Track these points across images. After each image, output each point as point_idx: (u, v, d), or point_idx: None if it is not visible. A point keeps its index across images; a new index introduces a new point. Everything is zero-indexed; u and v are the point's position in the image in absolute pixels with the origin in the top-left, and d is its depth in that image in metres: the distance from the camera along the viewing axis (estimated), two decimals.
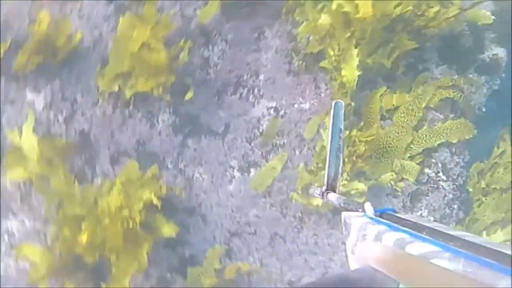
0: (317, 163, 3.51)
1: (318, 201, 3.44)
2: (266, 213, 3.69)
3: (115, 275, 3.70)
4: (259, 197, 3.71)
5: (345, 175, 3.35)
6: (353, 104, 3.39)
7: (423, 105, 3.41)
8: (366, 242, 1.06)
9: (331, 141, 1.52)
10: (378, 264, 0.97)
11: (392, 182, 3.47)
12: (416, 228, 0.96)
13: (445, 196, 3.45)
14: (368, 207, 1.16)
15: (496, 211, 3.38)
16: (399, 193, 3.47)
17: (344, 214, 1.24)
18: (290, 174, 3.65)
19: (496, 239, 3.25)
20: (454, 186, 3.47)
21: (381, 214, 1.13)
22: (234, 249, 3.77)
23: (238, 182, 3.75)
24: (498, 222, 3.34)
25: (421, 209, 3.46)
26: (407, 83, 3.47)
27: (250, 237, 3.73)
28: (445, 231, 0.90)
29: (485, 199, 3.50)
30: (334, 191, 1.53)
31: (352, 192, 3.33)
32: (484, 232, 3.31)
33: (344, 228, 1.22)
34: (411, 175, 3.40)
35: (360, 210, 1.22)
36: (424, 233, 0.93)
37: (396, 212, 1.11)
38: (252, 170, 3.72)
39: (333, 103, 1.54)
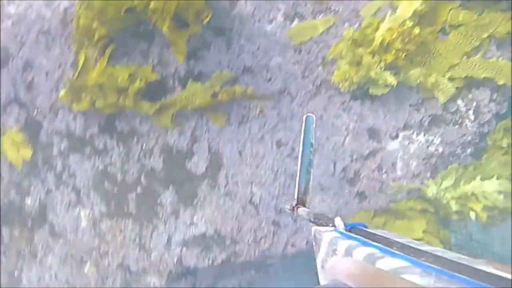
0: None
1: (342, 77, 3.57)
2: (288, 67, 3.70)
3: None
4: (290, 49, 3.68)
5: (382, 64, 3.32)
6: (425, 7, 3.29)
7: (485, 35, 3.29)
8: (336, 257, 1.10)
9: (301, 156, 1.58)
10: (348, 279, 0.98)
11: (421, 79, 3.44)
12: (387, 243, 1.00)
13: (464, 135, 3.46)
14: (339, 221, 1.19)
15: (502, 168, 3.45)
16: (422, 110, 3.48)
17: (314, 228, 1.27)
18: (328, 41, 3.62)
19: (490, 185, 3.33)
20: (478, 131, 3.47)
21: (352, 229, 1.17)
22: (241, 82, 3.80)
23: (277, 25, 3.69)
24: (500, 177, 3.40)
25: (435, 135, 3.49)
26: (481, 5, 3.31)
27: (262, 80, 3.76)
28: (416, 247, 0.93)
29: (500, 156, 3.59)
30: (304, 206, 1.58)
31: (380, 82, 3.33)
32: (479, 177, 3.37)
33: (314, 243, 1.25)
34: (443, 95, 3.38)
35: (331, 224, 1.25)
36: (395, 248, 0.96)
37: (367, 227, 1.15)
38: (295, 21, 3.65)
39: (304, 117, 1.58)
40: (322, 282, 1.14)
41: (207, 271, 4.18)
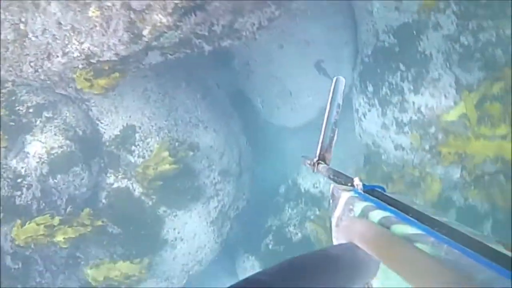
0: None
1: None
2: None
3: None
4: None
5: None
6: None
7: None
8: (352, 217, 1.16)
9: (328, 115, 1.69)
10: (361, 241, 1.04)
11: None
12: (404, 209, 1.04)
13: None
14: (358, 182, 1.26)
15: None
16: None
17: (332, 186, 1.35)
18: None
19: None
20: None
21: (370, 190, 1.23)
22: None
23: None
24: None
25: None
26: None
27: None
28: (431, 216, 0.97)
29: None
30: (326, 163, 1.67)
31: None
32: None
33: (331, 200, 1.32)
34: None
35: (349, 184, 1.31)
36: (411, 215, 1.00)
37: (385, 190, 1.21)
38: None
39: (334, 79, 1.67)
40: (335, 240, 1.23)
41: (220, 3, 4.46)
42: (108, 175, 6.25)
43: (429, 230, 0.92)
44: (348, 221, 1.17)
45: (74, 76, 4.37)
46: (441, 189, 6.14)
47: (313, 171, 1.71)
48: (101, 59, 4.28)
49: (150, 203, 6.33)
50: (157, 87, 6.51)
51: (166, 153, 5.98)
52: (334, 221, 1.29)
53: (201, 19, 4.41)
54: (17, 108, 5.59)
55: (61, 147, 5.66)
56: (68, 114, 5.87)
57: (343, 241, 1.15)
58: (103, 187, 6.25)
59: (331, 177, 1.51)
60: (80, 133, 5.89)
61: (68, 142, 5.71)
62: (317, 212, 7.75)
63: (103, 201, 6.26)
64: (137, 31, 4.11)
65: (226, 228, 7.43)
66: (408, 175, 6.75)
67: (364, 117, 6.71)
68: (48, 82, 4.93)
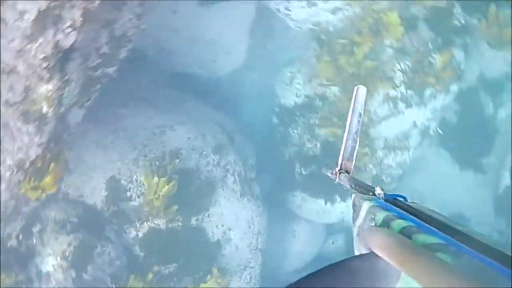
0: None
1: None
2: None
3: None
4: None
5: None
6: None
7: None
8: (373, 226, 1.17)
9: (349, 124, 1.71)
10: (381, 250, 1.05)
11: None
12: (425, 219, 1.06)
13: None
14: (379, 191, 1.29)
15: None
16: None
17: (354, 195, 1.37)
18: None
19: None
20: None
21: (392, 199, 1.25)
22: None
23: None
24: None
25: None
26: None
27: None
28: (452, 225, 0.99)
29: None
30: (348, 172, 1.69)
31: None
32: None
33: (353, 210, 1.34)
34: None
35: (371, 193, 1.35)
36: (432, 224, 1.02)
37: (407, 200, 1.24)
38: None
39: (355, 88, 1.71)
40: (356, 250, 1.25)
41: (85, 32, 4.30)
42: (128, 231, 6.29)
43: (450, 239, 0.93)
44: (369, 230, 1.19)
45: (22, 192, 4.34)
46: (399, 19, 6.11)
47: (335, 181, 1.74)
48: (30, 159, 4.22)
49: (180, 224, 6.40)
50: (104, 131, 6.40)
51: (155, 179, 5.99)
52: (355, 230, 1.31)
53: (81, 56, 4.28)
54: (8, 244, 5.61)
55: (70, 244, 5.71)
56: (53, 214, 5.88)
57: (364, 251, 1.18)
58: (133, 244, 6.31)
59: (353, 186, 1.54)
60: (76, 220, 5.90)
61: (72, 236, 5.75)
62: (317, 115, 7.76)
63: (141, 254, 6.35)
64: (36, 115, 4.00)
65: (256, 189, 7.51)
66: (364, 27, 6.69)
67: (289, 10, 6.59)
68: (10, 209, 4.91)
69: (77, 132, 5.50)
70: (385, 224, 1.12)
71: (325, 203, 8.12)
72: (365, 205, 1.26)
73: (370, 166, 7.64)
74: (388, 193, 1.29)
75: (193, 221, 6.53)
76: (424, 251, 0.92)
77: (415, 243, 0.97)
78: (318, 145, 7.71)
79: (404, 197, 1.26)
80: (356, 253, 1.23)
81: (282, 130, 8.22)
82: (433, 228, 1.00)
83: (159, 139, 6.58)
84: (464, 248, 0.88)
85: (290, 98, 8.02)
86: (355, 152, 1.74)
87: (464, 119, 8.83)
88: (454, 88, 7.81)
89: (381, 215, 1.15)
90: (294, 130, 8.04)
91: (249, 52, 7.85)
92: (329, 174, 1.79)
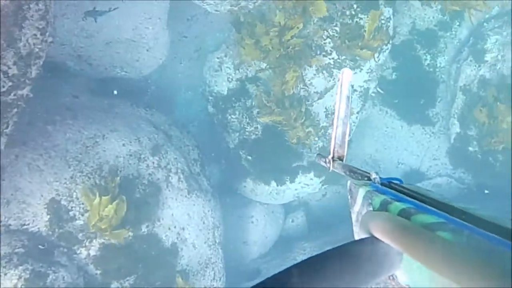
0: None
1: None
2: None
3: None
4: None
5: None
6: None
7: None
8: (371, 211, 1.22)
9: (338, 109, 1.76)
10: (382, 233, 1.09)
11: None
12: (422, 199, 1.11)
13: None
14: (375, 175, 1.34)
15: None
16: None
17: (350, 182, 1.41)
18: None
19: None
20: None
21: (387, 183, 1.30)
22: None
23: None
24: None
25: None
26: None
27: None
28: (449, 203, 1.04)
29: None
30: (341, 159, 1.74)
31: None
32: None
33: (349, 196, 1.39)
34: None
35: (366, 178, 1.40)
36: (429, 204, 1.07)
37: (403, 183, 1.28)
38: None
39: (341, 71, 1.73)
40: (356, 235, 1.29)
41: None
42: (78, 252, 6.38)
43: (448, 217, 0.98)
44: (368, 215, 1.23)
45: None
46: None
47: (329, 169, 1.79)
48: None
49: (131, 234, 6.51)
50: (34, 153, 6.25)
51: (97, 199, 6.14)
52: (354, 216, 1.38)
53: None
54: None
55: (20, 277, 5.66)
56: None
57: (364, 235, 1.21)
58: (86, 263, 6.29)
59: (347, 173, 1.61)
60: (22, 250, 5.76)
61: (21, 268, 5.68)
62: (253, 98, 8.08)
63: (97, 272, 6.44)
64: None
65: (204, 183, 7.75)
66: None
67: None
68: None
69: (4, 161, 5.62)
70: (383, 207, 1.18)
71: (277, 184, 8.52)
72: (361, 191, 1.32)
73: (316, 138, 8.05)
74: (384, 177, 1.35)
75: (144, 228, 6.71)
76: (424, 231, 0.98)
77: (415, 224, 1.02)
78: (259, 127, 8.05)
79: (399, 180, 1.32)
80: (357, 238, 1.28)
81: (220, 117, 8.46)
82: (431, 208, 1.06)
83: (92, 151, 6.60)
84: (463, 224, 0.93)
85: (222, 84, 8.25)
86: (347, 138, 1.80)
87: (403, 74, 9.23)
88: (387, 45, 8.17)
89: (378, 199, 1.22)
90: (232, 116, 8.30)
91: (171, 45, 7.99)
92: (322, 163, 1.85)
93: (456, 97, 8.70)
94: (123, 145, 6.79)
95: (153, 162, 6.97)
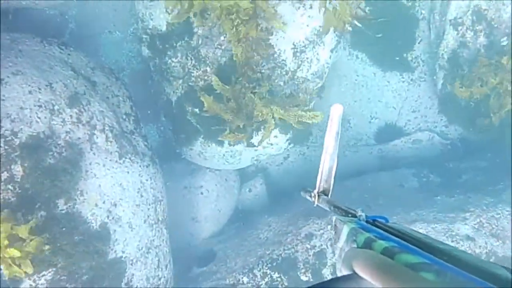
0: None
1: None
2: None
3: None
4: None
5: None
6: None
7: None
8: (355, 248, 1.31)
9: (327, 145, 1.92)
10: (364, 271, 1.16)
11: None
12: (406, 239, 1.20)
13: None
14: (360, 212, 1.47)
15: None
16: None
17: (335, 218, 1.54)
18: None
19: None
20: None
21: (372, 221, 1.42)
22: None
23: None
24: None
25: None
26: None
27: None
28: (434, 244, 1.12)
29: None
30: (326, 195, 1.89)
31: None
32: None
33: (334, 232, 1.51)
34: None
35: (350, 215, 1.53)
36: (414, 244, 1.15)
37: (388, 221, 1.40)
38: None
39: (332, 107, 1.89)
40: (338, 272, 1.36)
41: None
42: None
43: (433, 258, 1.03)
44: (351, 252, 1.27)
45: None
46: None
47: (314, 204, 1.87)
48: None
49: (43, 214, 5.06)
50: None
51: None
52: (337, 252, 1.43)
53: None
54: None
55: None
56: None
57: (346, 272, 1.25)
58: None
59: (332, 208, 1.68)
60: None
61: None
62: (199, 32, 6.54)
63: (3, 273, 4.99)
64: None
65: (140, 144, 6.17)
66: None
67: None
68: None
69: None
70: (367, 245, 1.24)
71: (230, 144, 7.08)
72: (346, 227, 1.40)
73: (281, 83, 6.61)
74: (369, 215, 1.42)
75: (61, 206, 5.16)
76: (407, 270, 1.02)
77: (398, 263, 1.07)
78: (209, 70, 6.53)
79: (385, 218, 1.39)
80: (339, 274, 1.32)
81: (158, 62, 6.89)
82: (415, 248, 1.12)
83: None
84: (447, 266, 0.98)
85: (160, 17, 6.62)
86: (333, 173, 1.89)
87: (376, 10, 7.96)
88: None
89: (362, 237, 1.28)
90: (173, 59, 6.77)
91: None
92: (307, 197, 1.95)
93: (445, 33, 7.42)
94: (30, 92, 5.16)
95: (71, 116, 5.35)
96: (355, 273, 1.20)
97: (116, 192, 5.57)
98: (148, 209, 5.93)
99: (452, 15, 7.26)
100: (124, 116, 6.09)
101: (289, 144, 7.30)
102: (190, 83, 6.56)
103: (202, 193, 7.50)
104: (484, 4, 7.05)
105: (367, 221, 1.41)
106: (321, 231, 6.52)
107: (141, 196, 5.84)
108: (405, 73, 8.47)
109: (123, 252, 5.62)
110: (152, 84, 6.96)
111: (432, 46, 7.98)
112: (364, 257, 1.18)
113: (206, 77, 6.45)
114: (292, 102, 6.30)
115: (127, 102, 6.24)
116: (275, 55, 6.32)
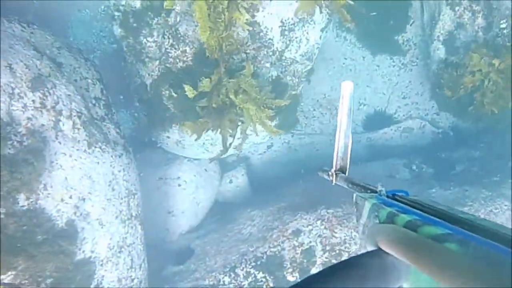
0: None
1: None
2: None
3: None
4: None
5: None
6: None
7: None
8: (377, 223, 1.31)
9: (340, 121, 1.90)
10: (389, 246, 1.18)
11: None
12: (428, 211, 1.21)
13: None
14: (380, 188, 1.45)
15: None
16: None
17: (355, 194, 1.54)
18: None
19: None
20: None
21: (393, 195, 1.41)
22: None
23: None
24: None
25: None
26: None
27: None
28: (455, 214, 1.13)
29: None
30: (344, 172, 1.87)
31: None
32: None
33: (355, 209, 1.52)
34: None
35: (369, 191, 1.52)
36: (436, 216, 1.15)
37: (408, 194, 1.39)
38: None
39: (342, 84, 1.89)
40: (363, 249, 1.36)
41: None
42: None
43: (455, 229, 1.02)
44: (375, 227, 1.27)
45: None
46: None
47: (333, 183, 1.83)
48: None
49: (3, 211, 4.54)
50: None
51: None
52: (360, 229, 1.43)
53: None
54: None
55: None
56: None
57: (371, 248, 1.26)
58: None
59: (350, 186, 1.67)
60: None
61: None
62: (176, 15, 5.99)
63: None
64: None
65: (111, 132, 5.61)
66: None
67: None
68: None
69: None
70: (389, 220, 1.24)
71: (213, 131, 6.56)
72: (367, 204, 1.39)
73: (267, 65, 6.11)
74: (389, 190, 1.40)
75: (22, 201, 4.63)
76: (431, 242, 1.02)
77: (421, 236, 1.07)
78: (188, 50, 6.00)
79: (405, 192, 1.39)
80: (363, 251, 1.31)
81: (132, 42, 6.36)
82: (437, 219, 1.11)
83: None
84: (470, 235, 0.97)
85: None
86: (349, 150, 1.86)
87: None
88: None
89: (384, 212, 1.28)
90: (149, 38, 6.24)
91: None
92: (325, 177, 1.90)
93: (442, 14, 7.00)
94: None
95: (34, 101, 4.80)
96: (380, 248, 1.20)
97: (84, 185, 5.04)
98: (121, 203, 5.42)
99: None
100: (93, 101, 5.54)
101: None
102: (167, 65, 6.03)
103: (179, 185, 7.01)
104: None
105: (387, 196, 1.39)
106: (310, 227, 6.07)
107: (113, 189, 5.32)
108: (396, 56, 8.05)
109: (92, 252, 5.11)
110: (125, 66, 6.42)
111: (425, 28, 7.55)
112: (387, 232, 1.17)
113: (185, 58, 5.92)
114: (271, 96, 5.79)
115: (97, 85, 5.68)
116: (261, 34, 5.82)
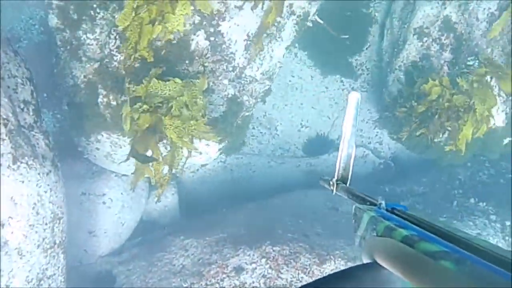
0: None
1: None
2: None
3: None
4: None
5: None
6: None
7: None
8: (375, 236, 1.32)
9: (345, 132, 1.96)
10: (384, 260, 1.18)
11: None
12: (426, 227, 1.21)
13: None
14: (381, 202, 1.45)
15: None
16: None
17: (355, 206, 1.55)
18: None
19: None
20: None
21: (392, 209, 1.42)
22: None
23: None
24: None
25: None
26: None
27: None
28: (453, 233, 1.12)
29: None
30: (345, 183, 1.90)
31: None
32: None
33: (353, 220, 1.53)
34: None
35: (368, 203, 1.53)
36: (434, 233, 1.16)
37: (407, 209, 1.40)
38: None
39: (349, 95, 1.98)
40: (358, 261, 1.33)
41: None
42: None
43: (452, 247, 1.03)
44: (371, 240, 1.28)
45: None
46: None
47: (333, 192, 1.86)
48: None
49: None
50: None
51: None
52: (357, 240, 1.45)
53: None
54: None
55: None
56: None
57: (366, 261, 1.26)
58: None
59: (351, 197, 1.69)
60: None
61: None
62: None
63: None
64: None
65: (41, 142, 4.84)
66: None
67: None
68: None
69: None
70: (387, 233, 1.23)
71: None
72: (366, 216, 1.41)
73: (225, 81, 5.57)
74: (389, 203, 1.41)
75: None
76: (427, 259, 1.02)
77: (418, 252, 1.07)
78: (137, 55, 5.35)
79: (404, 207, 1.39)
80: (358, 262, 1.31)
81: (68, 35, 5.61)
82: (435, 236, 1.12)
83: None
84: (467, 254, 0.99)
85: None
86: (352, 161, 1.89)
87: (329, 16, 7.15)
88: None
89: (382, 225, 1.28)
90: (89, 35, 5.52)
91: None
92: (326, 186, 1.94)
93: (407, 43, 6.78)
94: None
95: None
96: (375, 261, 1.20)
97: (5, 209, 4.28)
98: (45, 229, 4.71)
99: (418, 23, 6.63)
100: (22, 105, 4.76)
101: (221, 154, 6.30)
102: (110, 68, 5.34)
103: (104, 203, 6.31)
104: (455, 16, 6.47)
105: (386, 210, 1.39)
106: (253, 265, 5.61)
107: (37, 213, 4.60)
108: (347, 80, 7.76)
109: (6, 286, 4.37)
110: (56, 63, 5.64)
111: (383, 54, 7.31)
112: (384, 245, 1.17)
113: (131, 63, 5.27)
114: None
115: (27, 85, 4.90)
116: (224, 46, 5.29)
